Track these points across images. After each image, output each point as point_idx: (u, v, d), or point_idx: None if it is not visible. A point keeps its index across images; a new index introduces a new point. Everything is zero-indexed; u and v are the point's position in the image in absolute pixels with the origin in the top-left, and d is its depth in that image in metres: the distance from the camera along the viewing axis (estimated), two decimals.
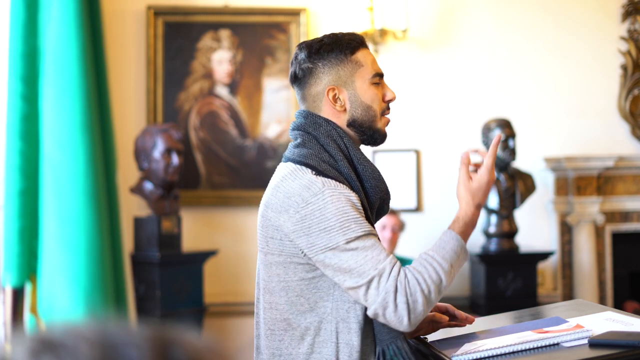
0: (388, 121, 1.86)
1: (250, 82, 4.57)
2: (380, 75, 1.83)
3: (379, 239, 1.71)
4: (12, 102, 1.48)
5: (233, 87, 4.57)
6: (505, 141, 4.16)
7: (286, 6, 4.59)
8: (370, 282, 1.62)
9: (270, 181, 1.80)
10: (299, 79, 1.82)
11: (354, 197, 1.68)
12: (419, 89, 4.65)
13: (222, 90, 4.57)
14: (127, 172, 4.05)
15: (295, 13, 4.57)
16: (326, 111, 1.80)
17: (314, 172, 1.70)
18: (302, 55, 1.81)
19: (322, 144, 1.76)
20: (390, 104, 1.85)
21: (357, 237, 1.64)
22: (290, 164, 1.76)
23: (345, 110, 1.80)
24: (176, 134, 4.00)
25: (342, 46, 1.79)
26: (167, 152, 3.95)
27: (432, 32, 4.67)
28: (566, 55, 4.72)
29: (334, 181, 1.69)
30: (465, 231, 1.75)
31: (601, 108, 4.75)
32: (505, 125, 4.18)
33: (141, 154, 3.99)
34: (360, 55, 1.81)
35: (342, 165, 1.74)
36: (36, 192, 1.47)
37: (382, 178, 1.81)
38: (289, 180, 1.72)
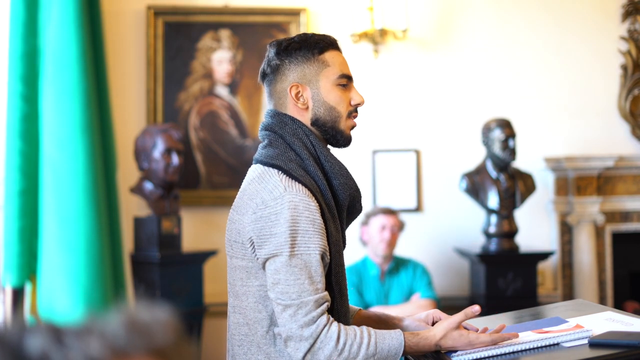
0: (354, 125, 1.83)
1: (250, 82, 4.57)
2: (347, 77, 1.82)
3: (327, 254, 1.68)
4: (12, 102, 1.48)
5: (233, 87, 4.57)
6: (505, 141, 4.16)
7: (286, 6, 4.59)
8: (287, 307, 1.62)
9: (242, 184, 1.80)
10: (267, 76, 1.82)
11: (314, 206, 1.66)
12: (419, 89, 4.65)
13: (222, 90, 4.57)
14: (127, 172, 4.05)
15: (295, 13, 4.57)
16: (290, 109, 1.80)
17: (280, 173, 1.70)
18: (271, 53, 1.81)
19: (289, 143, 1.76)
20: (359, 108, 1.84)
21: (300, 254, 1.62)
22: (259, 166, 1.76)
23: (307, 108, 1.79)
24: (176, 134, 4.00)
25: (310, 45, 1.79)
26: (167, 152, 3.95)
27: (432, 32, 4.67)
28: (566, 55, 4.73)
29: (297, 185, 1.67)
30: (411, 349, 1.66)
31: (601, 108, 4.75)
32: (505, 125, 4.18)
33: (141, 154, 3.99)
34: (328, 55, 1.81)
35: (308, 163, 1.73)
36: (36, 192, 1.47)
37: (351, 175, 1.80)
38: (256, 183, 1.72)
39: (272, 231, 1.64)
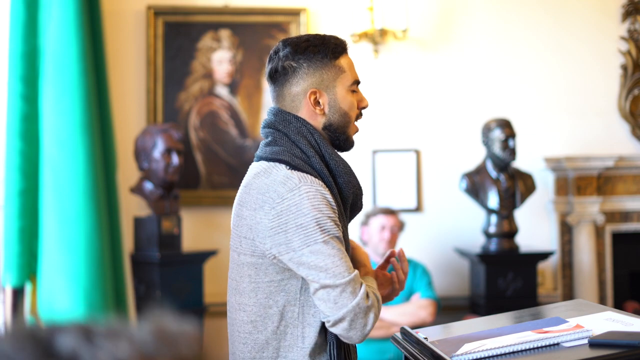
0: (357, 129, 1.86)
1: (250, 82, 4.57)
2: (358, 82, 1.84)
3: (344, 241, 1.73)
4: (12, 102, 1.48)
5: (233, 87, 4.57)
6: (505, 141, 4.16)
7: (286, 6, 4.59)
8: (347, 284, 1.63)
9: (243, 180, 1.79)
10: (279, 76, 1.80)
11: (328, 195, 1.67)
12: (419, 89, 4.65)
13: (222, 90, 4.57)
14: (127, 172, 4.05)
15: (295, 13, 4.57)
16: (304, 112, 1.79)
17: (288, 167, 1.70)
18: (285, 52, 1.78)
19: (293, 141, 1.75)
20: (364, 111, 1.87)
21: (333, 237, 1.64)
22: (263, 162, 1.75)
23: (324, 114, 1.79)
24: (176, 134, 4.00)
25: (328, 49, 1.78)
26: (167, 152, 3.94)
27: (432, 32, 4.67)
28: (566, 55, 4.73)
29: (310, 177, 1.68)
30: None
31: (601, 108, 4.76)
32: (505, 125, 4.18)
33: (141, 154, 3.99)
34: (343, 60, 1.81)
35: (314, 161, 1.73)
36: (36, 192, 1.47)
37: (354, 173, 1.80)
38: (262, 177, 1.71)
39: (297, 222, 1.63)
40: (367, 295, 1.65)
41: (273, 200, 1.66)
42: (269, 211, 1.66)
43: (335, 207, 1.68)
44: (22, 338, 0.56)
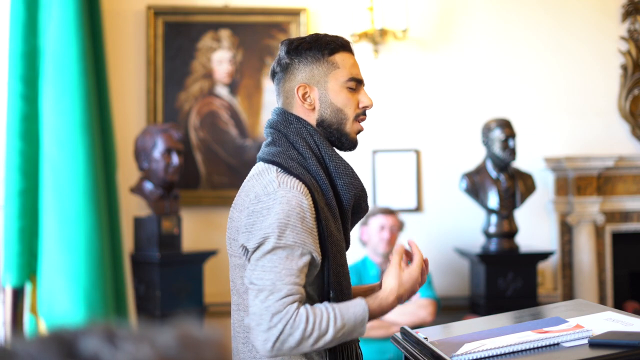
0: (360, 129, 1.83)
1: (250, 82, 4.57)
2: (357, 80, 1.81)
3: (317, 253, 1.65)
4: (12, 102, 1.48)
5: (233, 87, 4.57)
6: (505, 141, 4.16)
7: (286, 6, 4.59)
8: (259, 291, 1.58)
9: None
10: (276, 74, 1.82)
11: (306, 204, 1.63)
12: (419, 89, 4.65)
13: (222, 90, 4.57)
14: (127, 172, 4.05)
15: (295, 13, 4.57)
16: (297, 108, 1.79)
17: (279, 170, 1.69)
18: (282, 51, 1.81)
19: (292, 142, 1.75)
20: (367, 111, 1.84)
21: (285, 246, 1.59)
22: (260, 164, 1.76)
23: (314, 109, 1.78)
24: (176, 134, 4.00)
25: (321, 46, 1.78)
26: (167, 152, 3.94)
27: (432, 32, 4.67)
28: (566, 55, 4.73)
29: (292, 181, 1.66)
30: (376, 311, 1.67)
31: (601, 108, 4.76)
32: (505, 125, 4.18)
33: (141, 154, 3.99)
34: (339, 57, 1.80)
35: (310, 163, 1.72)
36: (36, 192, 1.47)
37: (356, 175, 1.79)
38: (253, 180, 1.71)
39: (262, 225, 1.62)
40: (276, 314, 1.55)
41: (251, 202, 1.66)
42: (244, 211, 1.67)
43: (309, 218, 1.64)
44: (46, 339, 0.57)
